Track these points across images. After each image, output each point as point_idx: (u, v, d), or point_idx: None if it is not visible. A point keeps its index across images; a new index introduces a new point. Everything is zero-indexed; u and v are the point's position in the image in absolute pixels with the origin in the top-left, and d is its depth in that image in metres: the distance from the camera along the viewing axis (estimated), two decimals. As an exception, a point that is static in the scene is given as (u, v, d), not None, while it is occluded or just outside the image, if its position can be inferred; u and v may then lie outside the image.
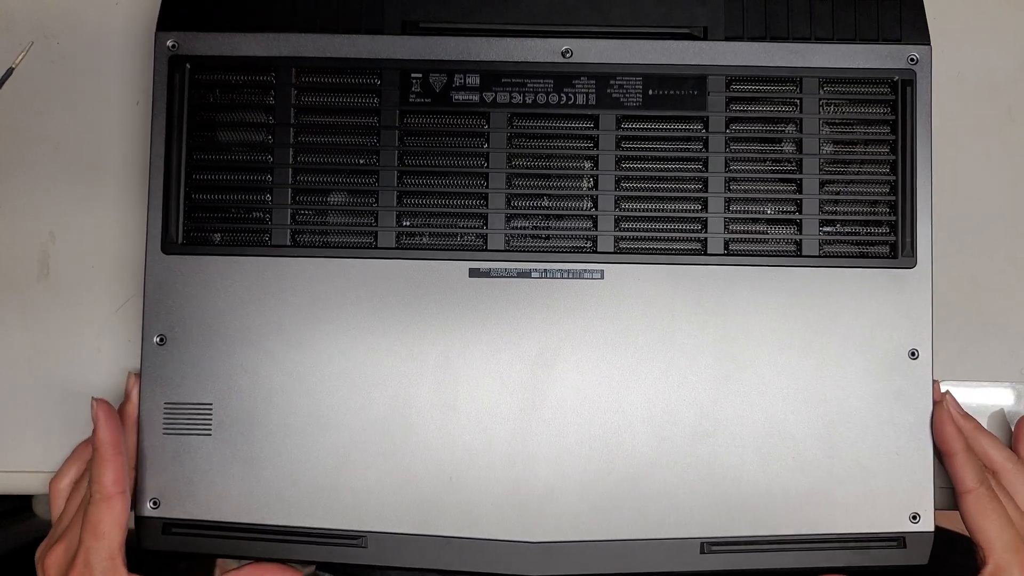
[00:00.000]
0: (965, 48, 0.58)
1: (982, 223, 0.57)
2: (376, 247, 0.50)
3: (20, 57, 0.57)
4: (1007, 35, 0.58)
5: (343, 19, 0.52)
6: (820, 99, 0.51)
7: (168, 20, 0.51)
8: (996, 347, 0.57)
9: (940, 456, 0.50)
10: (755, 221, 0.51)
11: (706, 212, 0.50)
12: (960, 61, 0.58)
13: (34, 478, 0.55)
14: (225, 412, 0.50)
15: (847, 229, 0.51)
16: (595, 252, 0.50)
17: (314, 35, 0.51)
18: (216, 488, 0.49)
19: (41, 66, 0.58)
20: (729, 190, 0.50)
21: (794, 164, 0.51)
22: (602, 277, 0.50)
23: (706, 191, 0.50)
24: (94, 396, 0.49)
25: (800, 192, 0.50)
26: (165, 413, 0.50)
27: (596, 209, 0.50)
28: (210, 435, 0.50)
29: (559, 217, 0.51)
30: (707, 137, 0.51)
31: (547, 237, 0.51)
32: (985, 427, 0.52)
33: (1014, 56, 0.58)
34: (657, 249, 0.50)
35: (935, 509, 0.50)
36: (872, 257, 0.50)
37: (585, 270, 0.50)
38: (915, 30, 0.51)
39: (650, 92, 0.51)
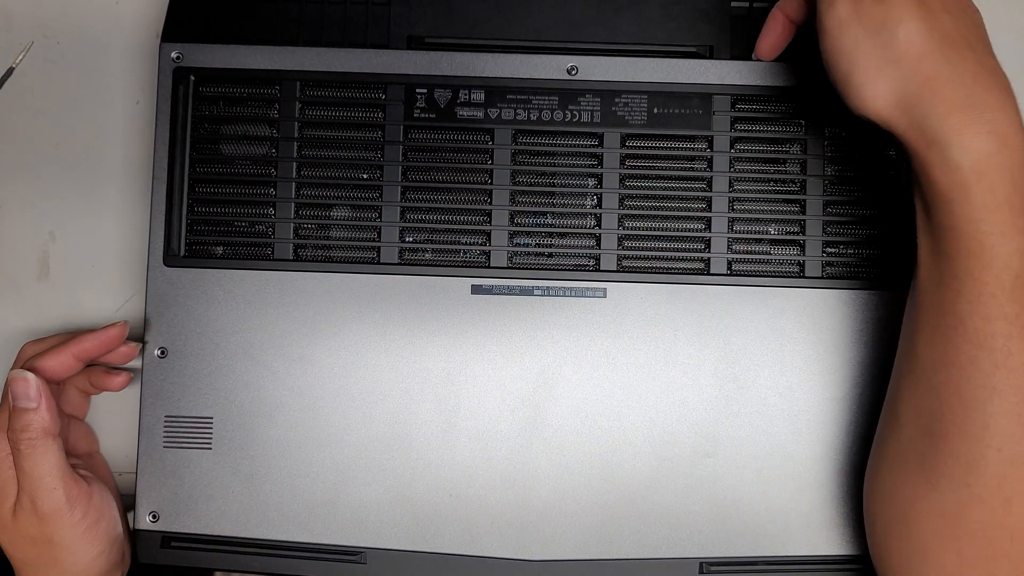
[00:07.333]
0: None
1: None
2: (379, 262, 0.50)
3: (20, 57, 0.57)
4: (1007, 35, 0.58)
5: (348, 33, 0.51)
6: (825, 119, 0.51)
7: (173, 31, 0.51)
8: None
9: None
10: (758, 241, 0.51)
11: (709, 232, 0.50)
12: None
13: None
14: (226, 426, 0.50)
15: (850, 251, 0.51)
16: (598, 271, 0.50)
17: (319, 49, 0.51)
18: (215, 502, 0.49)
19: (41, 66, 0.57)
20: (733, 210, 0.50)
21: (799, 184, 0.51)
22: (605, 296, 0.50)
23: (710, 211, 0.50)
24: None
25: (804, 213, 0.50)
26: (165, 426, 0.50)
27: (599, 227, 0.50)
28: (210, 449, 0.50)
29: (562, 235, 0.51)
30: (711, 156, 0.50)
31: (550, 255, 0.51)
32: None
33: (1015, 56, 0.58)
34: (660, 268, 0.50)
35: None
36: (875, 279, 0.50)
37: (588, 288, 0.50)
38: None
39: (655, 110, 0.51)
